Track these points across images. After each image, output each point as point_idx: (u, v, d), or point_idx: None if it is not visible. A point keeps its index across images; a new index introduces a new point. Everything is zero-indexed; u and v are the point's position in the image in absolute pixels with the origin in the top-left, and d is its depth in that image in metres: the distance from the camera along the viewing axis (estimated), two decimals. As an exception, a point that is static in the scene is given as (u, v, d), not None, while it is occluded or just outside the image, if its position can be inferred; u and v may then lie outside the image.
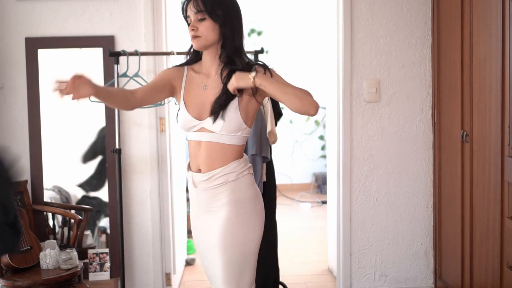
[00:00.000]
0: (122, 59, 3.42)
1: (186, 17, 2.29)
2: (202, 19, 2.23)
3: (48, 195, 3.67)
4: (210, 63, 2.32)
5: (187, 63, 2.39)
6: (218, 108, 2.24)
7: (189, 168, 2.37)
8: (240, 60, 2.29)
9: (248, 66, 2.29)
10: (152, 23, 3.57)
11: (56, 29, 3.58)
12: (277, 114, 3.34)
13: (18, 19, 3.56)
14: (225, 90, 2.25)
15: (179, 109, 2.35)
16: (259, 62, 2.35)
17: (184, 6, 2.28)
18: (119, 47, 3.57)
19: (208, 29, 2.23)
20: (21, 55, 3.57)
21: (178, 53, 3.38)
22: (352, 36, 3.63)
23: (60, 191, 3.76)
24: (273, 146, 3.43)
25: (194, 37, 2.24)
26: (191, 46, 2.35)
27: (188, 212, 5.00)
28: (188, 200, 5.25)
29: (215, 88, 2.28)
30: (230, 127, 2.24)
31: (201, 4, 2.22)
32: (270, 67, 2.33)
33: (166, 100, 3.66)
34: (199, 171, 2.30)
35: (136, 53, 3.35)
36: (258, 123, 3.15)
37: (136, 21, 3.58)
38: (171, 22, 3.86)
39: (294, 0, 7.07)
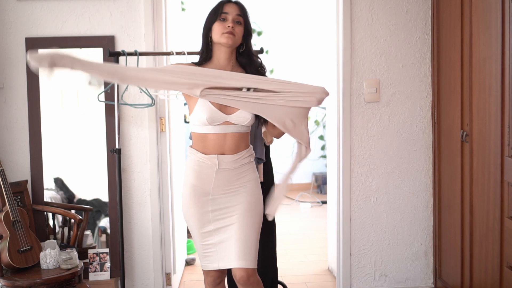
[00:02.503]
0: (122, 59, 3.42)
1: (220, 13, 2.56)
2: (238, 22, 2.59)
3: (48, 195, 3.67)
4: (226, 62, 2.63)
5: (200, 63, 2.65)
6: None
7: (203, 153, 2.62)
8: (254, 61, 2.68)
9: (258, 67, 2.68)
10: (152, 23, 3.58)
11: (56, 29, 3.58)
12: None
13: (18, 19, 3.56)
14: None
15: (194, 106, 2.57)
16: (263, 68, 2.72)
17: (222, 6, 2.60)
18: (119, 47, 3.57)
19: (240, 34, 2.60)
20: (21, 55, 3.58)
21: (177, 53, 3.38)
22: (352, 36, 3.63)
23: (60, 190, 3.76)
24: (272, 146, 3.43)
25: (231, 33, 2.55)
26: (205, 46, 2.63)
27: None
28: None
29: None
30: (251, 120, 2.60)
31: (243, 10, 2.61)
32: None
33: (166, 99, 3.67)
34: (223, 154, 2.60)
35: (135, 53, 3.35)
36: (252, 125, 3.13)
37: (136, 21, 3.59)
38: (171, 22, 3.86)
39: (294, 0, 7.08)
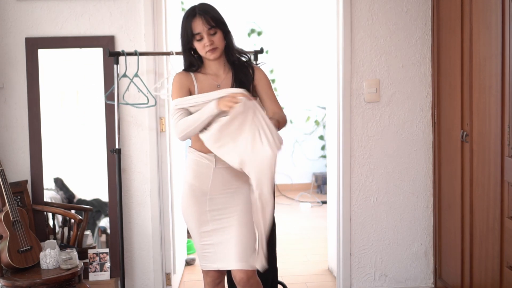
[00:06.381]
0: (122, 59, 3.42)
1: (193, 35, 2.56)
2: (214, 34, 2.57)
3: (48, 195, 3.67)
4: (218, 65, 2.66)
5: (194, 71, 2.67)
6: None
7: (201, 151, 2.62)
8: (236, 54, 2.69)
9: (243, 62, 2.71)
10: (152, 23, 3.58)
11: (56, 29, 3.58)
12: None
13: (18, 19, 3.56)
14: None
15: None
16: (253, 62, 2.77)
17: (190, 26, 2.55)
18: (119, 47, 3.57)
19: (221, 40, 2.59)
20: (21, 55, 3.58)
21: (178, 53, 3.38)
22: (352, 36, 3.63)
23: (60, 190, 3.76)
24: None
25: (213, 49, 2.57)
26: (193, 58, 2.65)
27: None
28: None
29: (227, 85, 2.64)
30: None
31: (211, 21, 2.56)
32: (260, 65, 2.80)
33: (166, 99, 3.67)
34: None
35: (135, 53, 3.35)
36: None
37: (136, 21, 3.58)
38: (171, 22, 3.86)
39: (294, 0, 7.08)
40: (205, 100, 2.53)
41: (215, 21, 2.57)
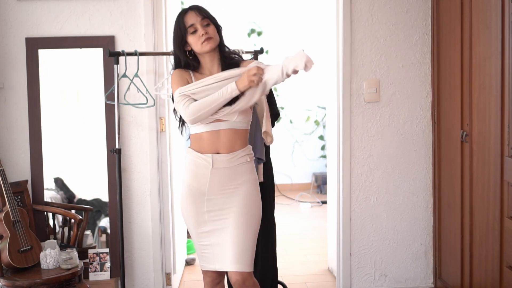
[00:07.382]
0: (122, 59, 3.42)
1: (187, 28, 2.59)
2: (207, 25, 2.61)
3: (49, 195, 3.67)
4: (211, 63, 2.67)
5: (191, 70, 2.68)
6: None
7: (199, 152, 2.63)
8: (228, 54, 2.71)
9: (236, 61, 2.70)
10: (152, 23, 3.58)
11: (56, 29, 3.58)
12: (275, 115, 3.32)
13: (18, 19, 3.56)
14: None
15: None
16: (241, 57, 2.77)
17: (183, 21, 2.60)
18: (119, 47, 3.57)
19: (215, 32, 2.63)
20: (21, 55, 3.58)
21: (178, 53, 3.38)
22: (352, 36, 3.63)
23: (60, 190, 3.77)
24: (272, 146, 3.43)
25: (209, 39, 2.58)
26: (188, 58, 2.65)
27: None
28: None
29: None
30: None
31: (203, 12, 2.62)
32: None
33: (166, 99, 3.67)
34: (217, 153, 2.61)
35: (135, 53, 3.35)
36: (252, 124, 3.13)
37: (136, 21, 3.59)
38: (171, 22, 3.86)
39: (294, 0, 7.08)
40: (209, 83, 2.55)
41: (207, 13, 2.63)
